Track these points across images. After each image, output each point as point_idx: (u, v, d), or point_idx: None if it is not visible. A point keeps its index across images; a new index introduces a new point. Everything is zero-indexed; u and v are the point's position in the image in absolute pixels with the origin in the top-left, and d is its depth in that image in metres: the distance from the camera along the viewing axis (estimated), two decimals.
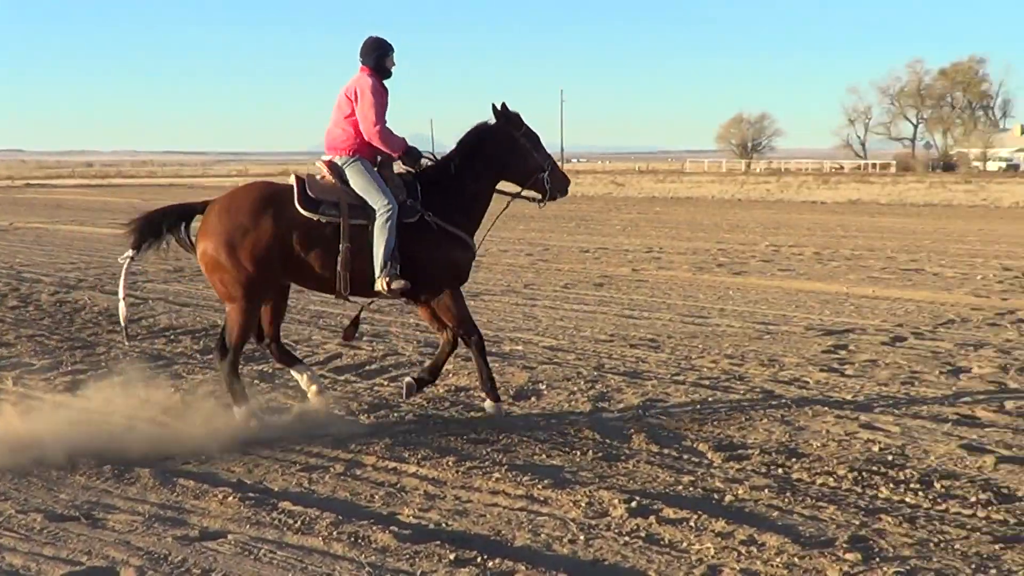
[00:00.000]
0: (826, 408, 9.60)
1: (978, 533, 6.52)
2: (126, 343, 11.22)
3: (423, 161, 9.66)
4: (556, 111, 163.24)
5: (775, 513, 6.96)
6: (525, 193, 10.02)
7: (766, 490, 7.37)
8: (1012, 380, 10.68)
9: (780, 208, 48.26)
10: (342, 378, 10.92)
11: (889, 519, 6.77)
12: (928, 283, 18.72)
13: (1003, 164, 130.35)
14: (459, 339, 9.61)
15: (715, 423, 9.17)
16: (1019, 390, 10.30)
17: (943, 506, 7.04)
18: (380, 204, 9.20)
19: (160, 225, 9.40)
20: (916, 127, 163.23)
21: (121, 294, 9.54)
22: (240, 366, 9.45)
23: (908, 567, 6.04)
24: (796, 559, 6.18)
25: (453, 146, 9.78)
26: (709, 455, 8.23)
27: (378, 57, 9.54)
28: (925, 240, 28.19)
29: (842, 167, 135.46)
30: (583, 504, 7.15)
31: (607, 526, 6.78)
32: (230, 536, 6.61)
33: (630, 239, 28.86)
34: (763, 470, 7.88)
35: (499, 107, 9.72)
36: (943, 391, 10.27)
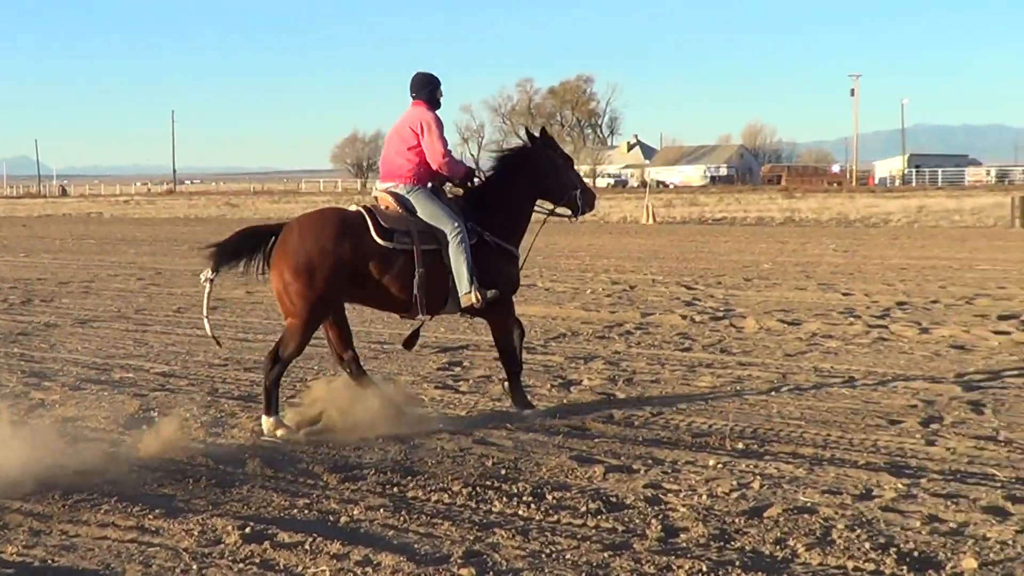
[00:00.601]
0: (441, 425, 9.68)
1: (588, 542, 6.69)
2: (219, 347, 12.22)
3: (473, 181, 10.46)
4: (168, 131, 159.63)
5: (391, 532, 6.94)
6: (559, 209, 10.85)
7: (381, 510, 7.34)
8: (620, 391, 11.10)
9: None
10: None
11: (503, 532, 6.87)
12: (540, 298, 19.30)
13: (611, 180, 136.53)
14: (501, 350, 10.35)
15: (330, 444, 9.08)
16: (627, 400, 10.71)
17: (555, 517, 7.19)
18: (450, 228, 9.90)
19: (239, 248, 9.87)
20: None
21: (204, 312, 10.09)
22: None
23: None
24: None
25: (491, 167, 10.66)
26: (324, 477, 8.14)
27: (431, 91, 10.35)
28: (537, 256, 29.04)
29: None
30: (196, 533, 6.92)
31: (221, 554, 6.58)
32: None
33: None
34: (378, 489, 7.85)
35: (538, 132, 10.74)
36: (555, 404, 10.55)
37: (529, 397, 10.43)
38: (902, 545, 6.51)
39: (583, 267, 25.71)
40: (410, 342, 10.54)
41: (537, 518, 7.19)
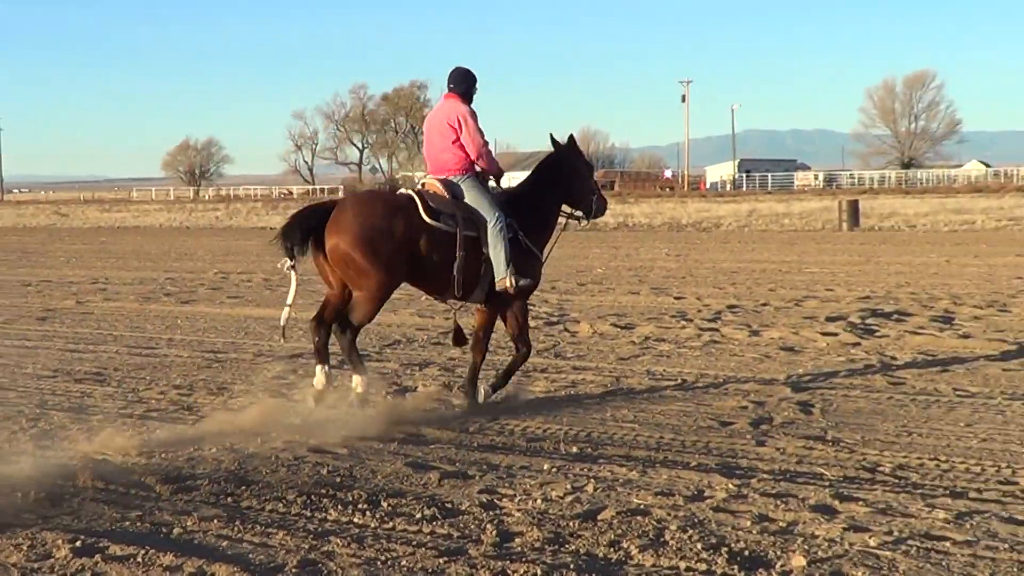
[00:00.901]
0: (275, 434, 9.57)
1: (424, 548, 6.68)
2: (283, 342, 11.91)
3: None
4: None
5: (225, 543, 6.84)
6: (578, 211, 11.39)
7: (215, 520, 7.23)
8: (455, 397, 11.11)
9: (229, 235, 48.19)
10: None
11: (338, 540, 6.82)
12: None
13: None
14: (515, 340, 10.90)
15: (163, 455, 8.91)
16: (462, 406, 10.73)
17: (390, 524, 7.17)
18: (492, 216, 10.43)
19: (300, 229, 10.21)
20: (362, 152, 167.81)
21: (289, 300, 10.55)
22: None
23: None
24: None
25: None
26: (157, 488, 7.98)
27: (467, 86, 10.84)
28: None
29: (291, 192, 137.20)
30: (25, 547, 6.74)
31: (51, 568, 6.43)
32: None
33: (75, 271, 27.82)
34: (212, 500, 7.74)
35: (567, 139, 11.23)
36: (390, 411, 10.51)
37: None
38: (733, 545, 6.64)
39: None
40: (458, 339, 11.10)
41: (372, 525, 7.16)
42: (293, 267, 10.33)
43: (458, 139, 10.60)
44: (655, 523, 7.06)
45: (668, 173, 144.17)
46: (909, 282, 21.50)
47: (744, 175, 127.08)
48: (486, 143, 10.73)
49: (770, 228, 43.62)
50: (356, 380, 10.29)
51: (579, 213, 11.43)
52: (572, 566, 6.35)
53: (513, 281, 10.38)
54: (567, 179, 11.19)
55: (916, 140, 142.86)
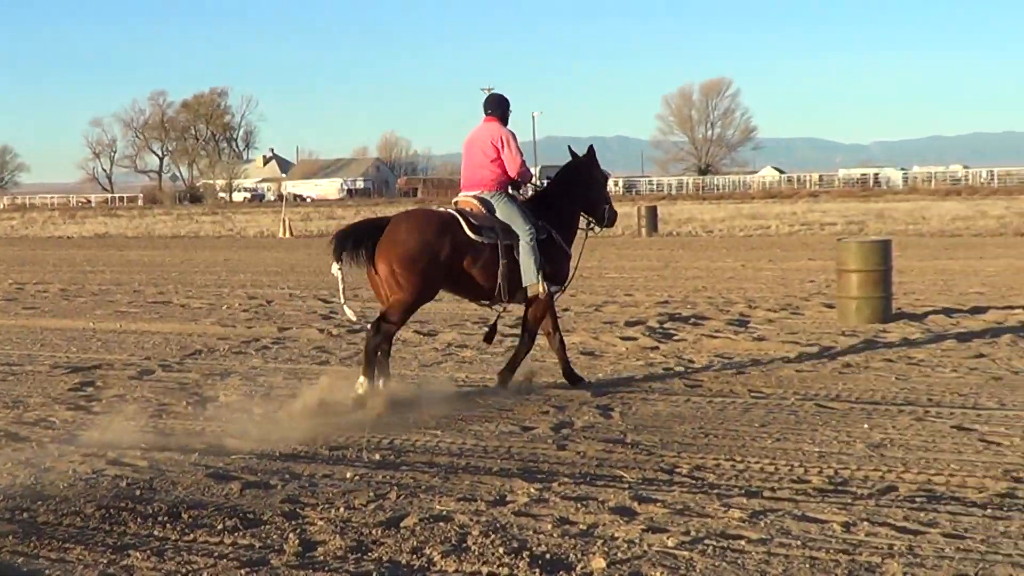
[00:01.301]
0: (73, 448, 9.32)
1: (225, 560, 6.59)
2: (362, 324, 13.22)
3: (528, 188, 12.13)
4: None
5: (20, 559, 6.64)
6: (591, 219, 12.33)
7: (11, 536, 7.02)
8: (257, 406, 10.98)
9: (25, 245, 46.84)
10: None
11: (138, 554, 6.68)
12: (176, 315, 18.91)
13: (248, 194, 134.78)
14: (527, 330, 11.87)
15: None
16: (264, 415, 10.58)
17: (191, 536, 7.06)
18: (524, 228, 11.39)
19: (354, 239, 11.13)
20: (162, 159, 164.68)
21: (342, 300, 11.43)
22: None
23: None
24: None
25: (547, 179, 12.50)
26: None
27: (503, 111, 11.91)
28: (173, 272, 28.53)
29: (89, 201, 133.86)
30: None
31: None
32: None
33: None
34: (7, 516, 7.50)
35: (587, 150, 12.36)
36: (191, 422, 10.36)
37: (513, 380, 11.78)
38: (534, 548, 6.72)
39: (219, 282, 25.36)
40: (490, 336, 12.31)
41: (173, 538, 7.04)
42: (340, 269, 11.22)
43: (498, 158, 11.56)
44: (457, 529, 7.11)
45: None
46: (706, 286, 22.07)
47: (546, 181, 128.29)
48: (524, 161, 11.73)
49: None
50: (359, 380, 10.90)
51: (591, 220, 12.33)
52: (375, 574, 6.35)
53: (544, 288, 11.39)
54: (588, 186, 12.18)
55: (713, 147, 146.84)
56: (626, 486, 8.07)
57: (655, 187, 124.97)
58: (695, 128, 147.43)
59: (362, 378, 10.88)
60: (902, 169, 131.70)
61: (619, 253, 32.80)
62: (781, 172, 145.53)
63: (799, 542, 6.77)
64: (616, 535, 6.97)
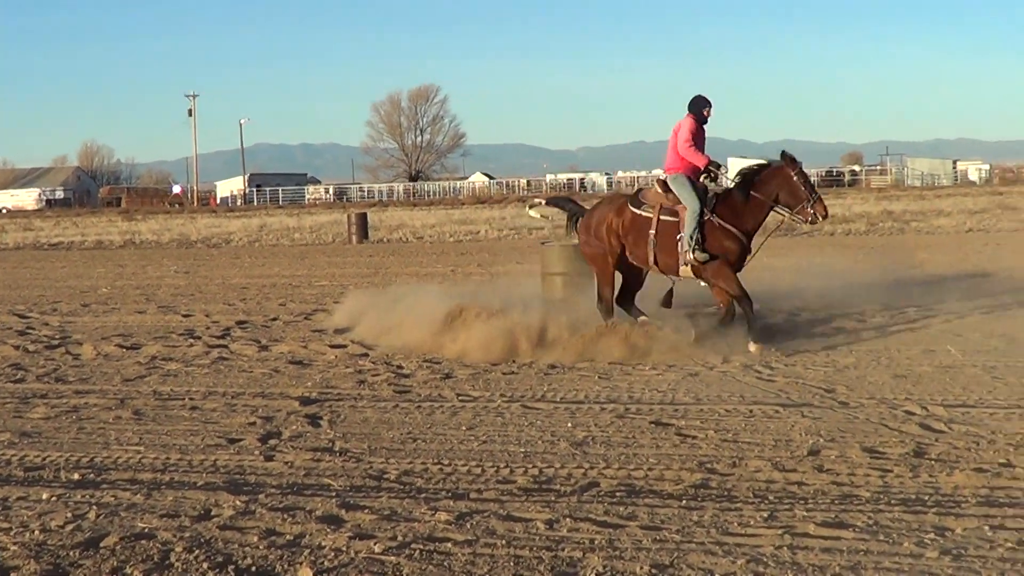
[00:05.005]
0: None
1: None
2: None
3: (720, 179, 14.15)
4: None
5: None
6: (792, 217, 13.95)
7: None
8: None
9: None
10: None
11: None
12: None
13: None
14: (735, 303, 13.63)
15: None
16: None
17: None
18: (690, 204, 13.67)
19: (561, 201, 15.73)
20: None
21: (536, 213, 17.77)
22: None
23: None
24: None
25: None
26: None
27: (699, 108, 13.98)
28: None
29: None
30: None
31: None
32: None
33: None
34: None
35: (783, 154, 13.93)
36: None
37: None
38: (240, 562, 6.61)
39: None
40: (667, 301, 14.00)
41: None
42: (539, 208, 16.44)
43: (676, 144, 13.86)
44: (160, 546, 6.92)
45: (177, 189, 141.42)
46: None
47: (255, 190, 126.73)
48: (689, 143, 13.74)
49: (281, 242, 43.70)
50: (641, 322, 13.90)
51: (800, 219, 13.88)
52: None
53: (694, 256, 13.52)
54: (776, 186, 13.75)
55: (423, 153, 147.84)
56: (334, 494, 8.02)
57: (366, 194, 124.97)
58: (405, 135, 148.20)
59: (640, 319, 14.03)
60: (607, 174, 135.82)
61: (329, 261, 32.61)
62: (491, 178, 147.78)
63: (504, 541, 6.88)
64: (323, 544, 6.92)
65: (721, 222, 13.66)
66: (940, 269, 14.91)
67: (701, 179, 14.03)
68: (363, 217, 44.14)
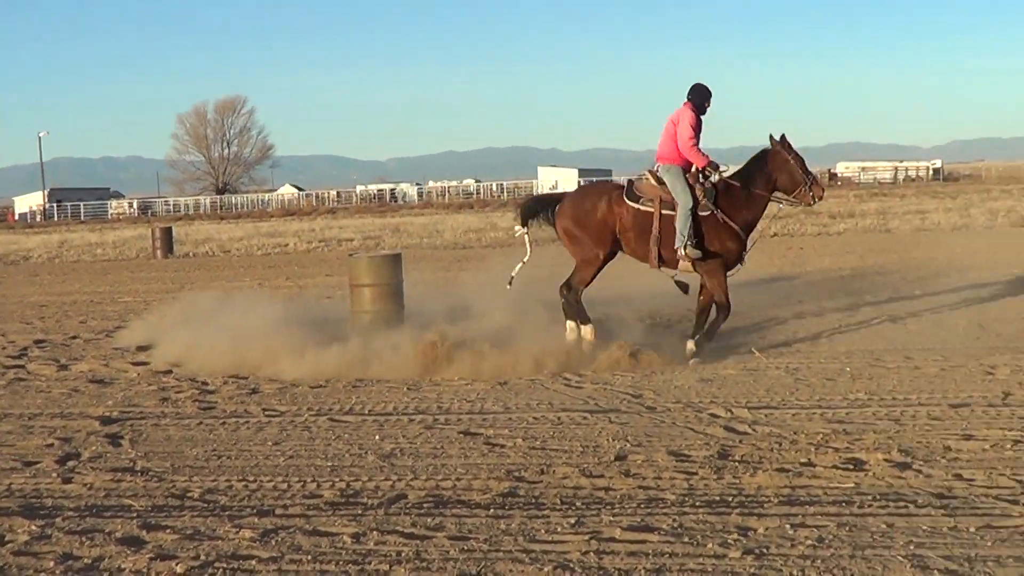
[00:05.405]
0: None
1: None
2: (508, 287, 14.27)
3: (719, 173, 13.45)
4: None
5: None
6: (791, 198, 13.72)
7: None
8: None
9: None
10: None
11: None
12: None
13: None
14: (712, 304, 13.44)
15: None
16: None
17: None
18: (683, 200, 13.22)
19: (535, 209, 14.15)
20: None
21: (526, 258, 14.05)
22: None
23: None
24: None
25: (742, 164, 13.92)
26: None
27: (701, 99, 13.53)
28: None
29: None
30: None
31: None
32: None
33: None
34: None
35: (781, 137, 13.63)
36: None
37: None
38: None
39: None
40: (683, 289, 13.69)
41: None
42: (525, 233, 13.97)
43: (675, 134, 13.32)
44: None
45: None
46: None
47: (55, 205, 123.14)
48: (692, 140, 13.23)
49: (83, 259, 42.48)
50: (585, 330, 13.55)
51: (797, 201, 13.75)
52: None
53: (686, 253, 13.15)
54: (776, 170, 13.55)
55: (230, 166, 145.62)
56: (135, 515, 7.83)
57: (172, 208, 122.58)
58: (211, 147, 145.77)
59: (583, 327, 13.55)
60: (417, 184, 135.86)
61: (133, 276, 31.83)
62: (300, 190, 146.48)
63: (310, 557, 6.80)
64: (123, 566, 6.76)
65: (725, 218, 13.28)
66: (743, 275, 15.18)
67: (692, 172, 13.47)
68: (168, 231, 43.24)
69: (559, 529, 7.18)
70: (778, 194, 13.78)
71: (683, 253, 13.20)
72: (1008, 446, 8.88)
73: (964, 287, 19.21)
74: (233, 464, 9.21)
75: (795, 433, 9.56)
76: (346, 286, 17.12)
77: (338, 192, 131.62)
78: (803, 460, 8.68)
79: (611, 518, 7.37)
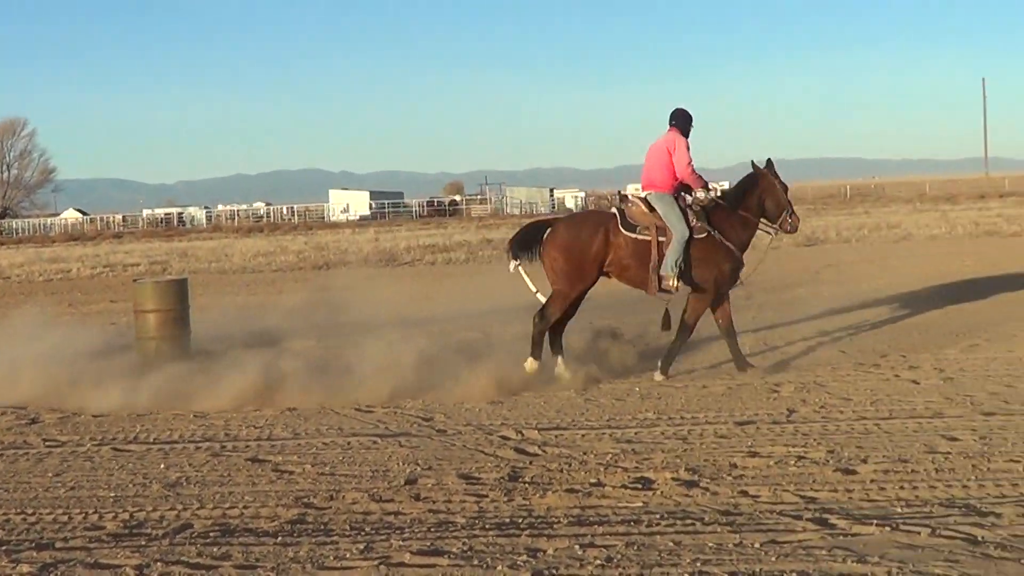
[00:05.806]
0: None
1: None
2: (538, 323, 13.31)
3: (709, 193, 13.39)
4: None
5: None
6: (774, 225, 13.60)
7: None
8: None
9: None
10: None
11: None
12: None
13: None
14: (681, 325, 13.33)
15: None
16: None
17: None
18: (677, 228, 12.96)
19: (528, 240, 13.52)
20: None
21: (533, 288, 13.58)
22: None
23: None
24: None
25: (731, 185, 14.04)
26: None
27: (685, 122, 13.44)
28: None
29: None
30: None
31: None
32: None
33: None
34: None
35: (767, 161, 13.66)
36: None
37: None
38: None
39: None
40: (666, 323, 13.44)
41: None
42: (519, 266, 13.34)
43: (670, 161, 13.14)
44: None
45: None
46: None
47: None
48: (691, 164, 13.15)
49: None
50: (530, 363, 13.05)
51: (778, 229, 13.62)
52: None
53: (675, 283, 12.97)
54: (766, 195, 13.48)
55: (11, 190, 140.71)
56: None
57: None
58: None
59: (530, 359, 13.03)
60: (206, 208, 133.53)
61: None
62: (84, 214, 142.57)
63: None
64: None
65: (723, 239, 13.14)
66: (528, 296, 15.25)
67: (682, 196, 13.37)
68: None
69: (348, 555, 7.12)
70: (762, 221, 13.71)
71: (671, 284, 12.99)
72: (792, 462, 9.14)
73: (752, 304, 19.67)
74: (11, 497, 8.89)
75: (584, 453, 9.68)
76: (131, 312, 16.71)
77: (124, 216, 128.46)
78: (592, 480, 8.79)
79: (401, 543, 7.34)
